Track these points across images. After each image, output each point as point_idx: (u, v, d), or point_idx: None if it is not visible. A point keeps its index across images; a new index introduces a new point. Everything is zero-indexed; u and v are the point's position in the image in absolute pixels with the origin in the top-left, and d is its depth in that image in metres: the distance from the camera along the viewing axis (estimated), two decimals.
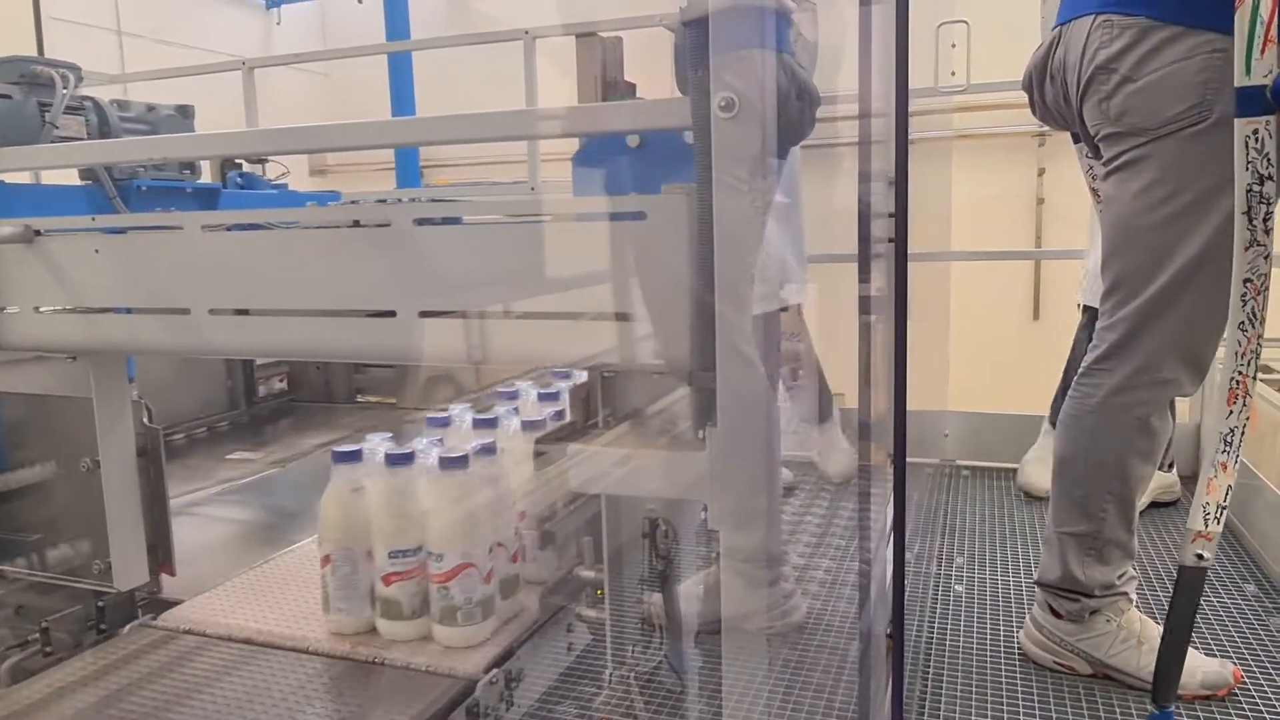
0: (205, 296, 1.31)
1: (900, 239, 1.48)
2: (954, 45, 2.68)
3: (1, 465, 1.68)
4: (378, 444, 1.62)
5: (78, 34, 5.40)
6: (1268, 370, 3.30)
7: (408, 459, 1.55)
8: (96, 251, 1.37)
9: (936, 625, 1.91)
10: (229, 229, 1.28)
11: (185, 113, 1.95)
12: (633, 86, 1.58)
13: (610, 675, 1.23)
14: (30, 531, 1.66)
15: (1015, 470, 2.86)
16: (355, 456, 1.57)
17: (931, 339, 2.76)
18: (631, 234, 1.09)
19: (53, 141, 1.65)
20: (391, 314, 1.21)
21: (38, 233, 1.39)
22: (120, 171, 1.75)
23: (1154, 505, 2.49)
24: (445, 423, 1.79)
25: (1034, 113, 1.75)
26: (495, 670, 1.37)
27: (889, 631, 1.51)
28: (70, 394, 1.46)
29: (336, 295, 1.24)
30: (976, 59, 2.82)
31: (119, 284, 1.36)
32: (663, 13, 3.37)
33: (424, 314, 1.20)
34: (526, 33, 3.08)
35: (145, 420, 1.60)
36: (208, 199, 1.88)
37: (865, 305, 1.29)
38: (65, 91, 1.68)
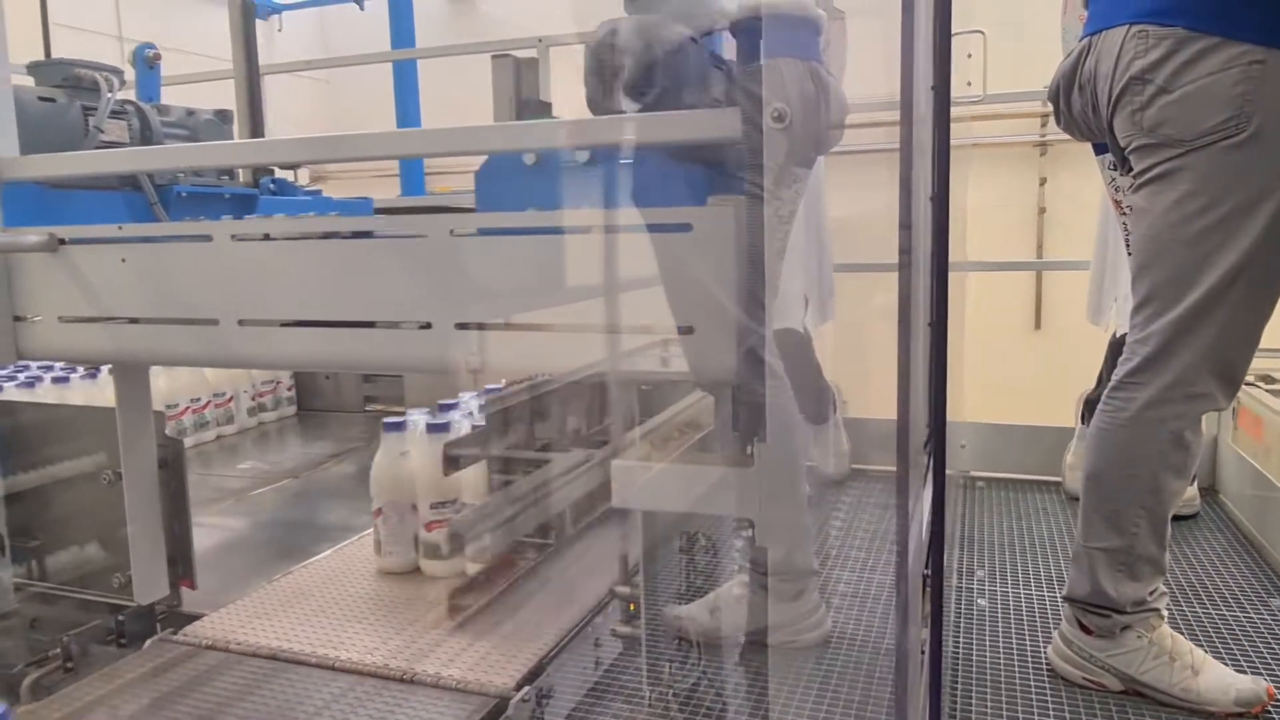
0: (235, 307, 1.29)
1: (940, 250, 1.47)
2: (970, 55, 2.68)
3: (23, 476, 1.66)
4: (418, 416, 1.92)
5: (81, 39, 5.37)
6: (1271, 380, 3.29)
7: (444, 428, 1.83)
8: (123, 261, 1.35)
9: (961, 640, 1.89)
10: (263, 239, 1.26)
11: (224, 118, 1.92)
12: (548, 105, 1.59)
13: (650, 694, 1.21)
14: (50, 543, 1.64)
15: (1030, 482, 2.85)
16: (401, 426, 1.88)
17: (951, 350, 2.74)
18: (677, 246, 1.07)
19: (98, 146, 1.61)
20: (428, 325, 1.19)
21: (63, 241, 1.37)
22: (160, 176, 1.71)
23: (1174, 518, 2.47)
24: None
25: (1058, 123, 1.74)
26: (527, 687, 1.35)
27: (923, 648, 1.49)
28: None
29: (372, 306, 1.22)
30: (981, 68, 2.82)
31: (146, 294, 1.34)
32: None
33: (460, 326, 1.18)
34: (540, 40, 3.07)
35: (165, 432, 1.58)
36: (246, 205, 1.85)
37: (906, 314, 1.27)
38: (110, 95, 1.65)
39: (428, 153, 1.29)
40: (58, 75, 1.66)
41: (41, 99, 1.58)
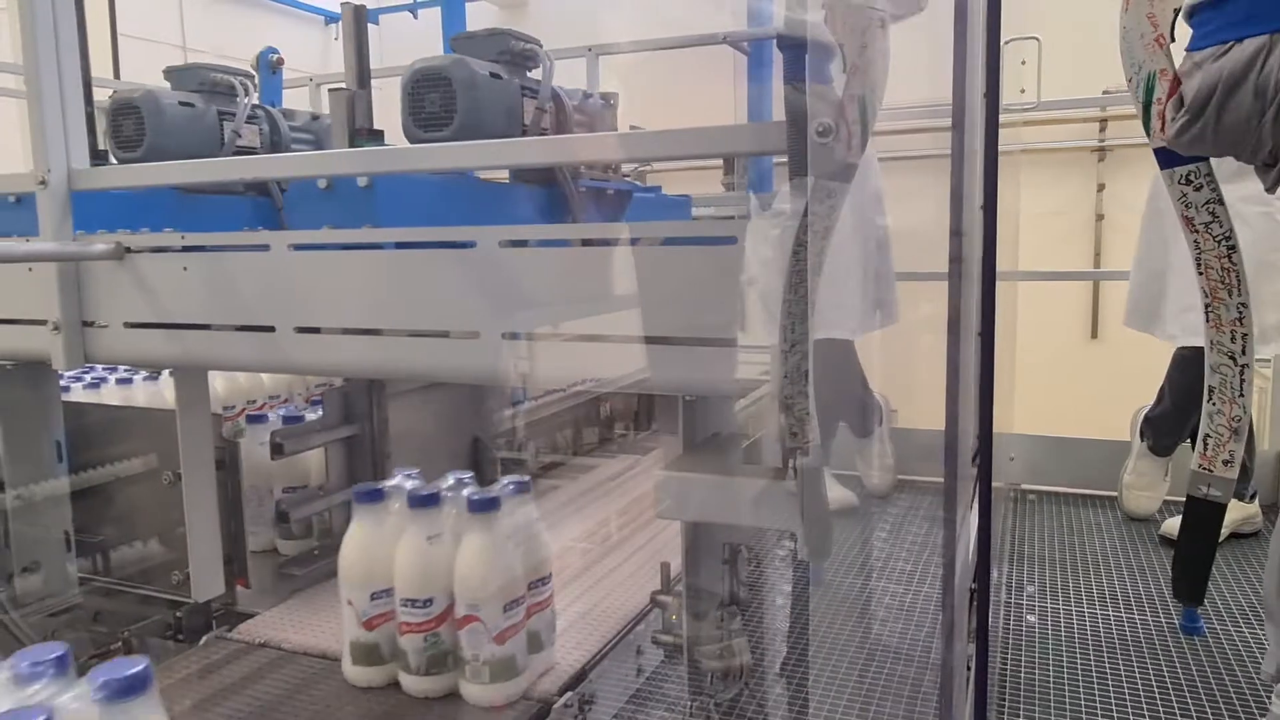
0: (290, 314, 1.32)
1: (989, 258, 1.46)
2: (1024, 62, 2.63)
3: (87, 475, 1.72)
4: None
5: (147, 50, 5.55)
6: None
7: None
8: (185, 269, 1.39)
9: (1009, 657, 1.86)
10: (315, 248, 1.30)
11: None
12: (380, 133, 1.61)
13: (690, 706, 1.21)
14: (113, 539, 1.69)
15: (1083, 496, 2.80)
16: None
17: (1000, 360, 2.70)
18: (722, 258, 1.08)
19: (235, 152, 1.62)
20: (475, 335, 1.21)
21: (129, 250, 1.42)
22: (286, 181, 1.71)
23: (1234, 536, 2.41)
24: None
25: (1183, 132, 1.44)
26: (569, 693, 1.36)
27: (969, 664, 1.48)
28: None
29: (420, 315, 1.25)
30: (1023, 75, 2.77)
31: (206, 301, 1.38)
32: (726, 30, 3.36)
33: (507, 335, 1.20)
34: (589, 50, 3.09)
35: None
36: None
37: (955, 325, 1.26)
38: (248, 100, 1.66)
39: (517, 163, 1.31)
40: (194, 80, 1.66)
41: (181, 104, 1.59)
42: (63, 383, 2.09)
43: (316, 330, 1.31)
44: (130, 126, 1.51)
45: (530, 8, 6.80)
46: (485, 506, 1.35)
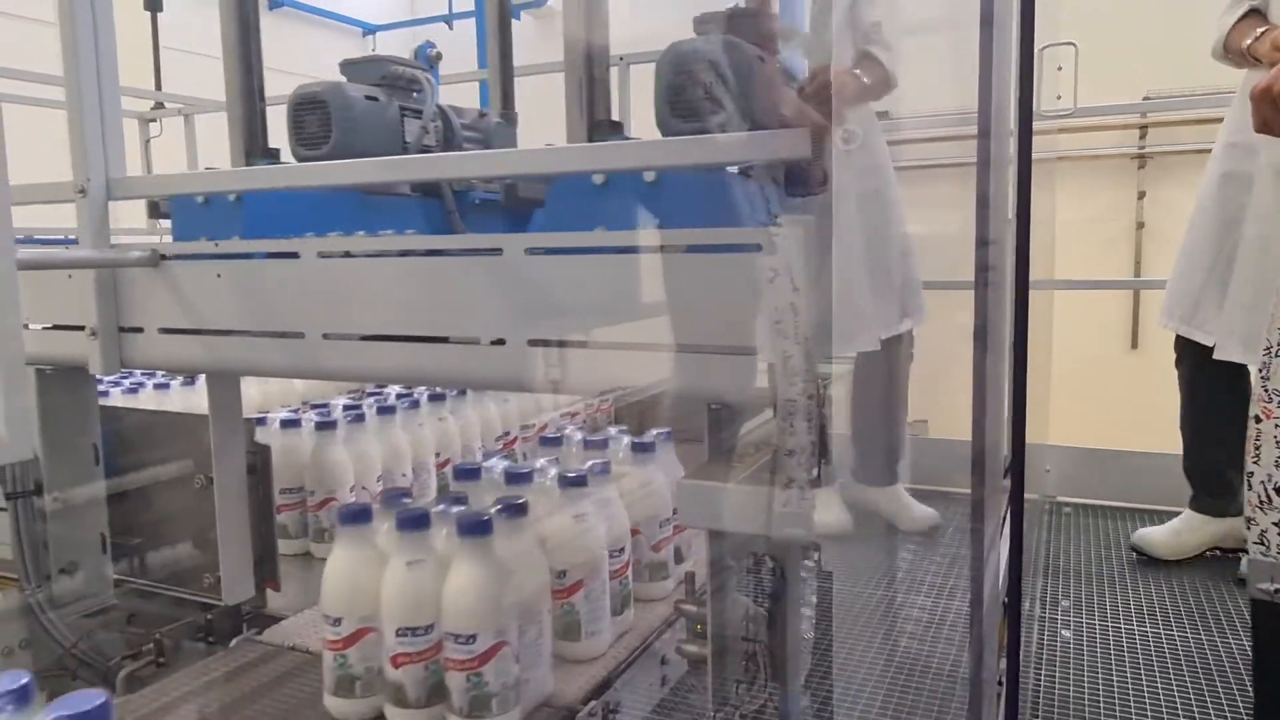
0: (319, 321, 1.34)
1: (1021, 268, 1.44)
2: (1060, 68, 2.60)
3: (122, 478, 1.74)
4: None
5: (189, 62, 5.66)
6: None
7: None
8: (218, 276, 1.41)
9: (1044, 672, 1.83)
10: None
11: (510, 120, 1.85)
12: (276, 151, 1.59)
13: (715, 715, 1.20)
14: (148, 542, 1.72)
15: (1122, 509, 2.74)
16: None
17: (1035, 370, 2.66)
18: (749, 266, 1.07)
19: (420, 150, 1.56)
20: (501, 342, 1.22)
21: (164, 257, 1.45)
22: (458, 183, 1.65)
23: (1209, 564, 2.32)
24: None
25: None
26: (594, 702, 1.35)
27: (1000, 679, 1.45)
28: None
29: (448, 322, 1.26)
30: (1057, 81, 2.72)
31: (238, 307, 1.40)
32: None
33: (533, 343, 1.20)
34: (621, 59, 3.10)
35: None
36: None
37: (982, 335, 1.24)
38: (434, 95, 1.60)
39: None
40: (375, 74, 1.60)
41: (368, 98, 1.53)
42: (100, 387, 2.13)
43: (344, 337, 1.33)
44: (315, 123, 1.45)
45: (559, 19, 6.84)
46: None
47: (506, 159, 1.43)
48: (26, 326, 1.55)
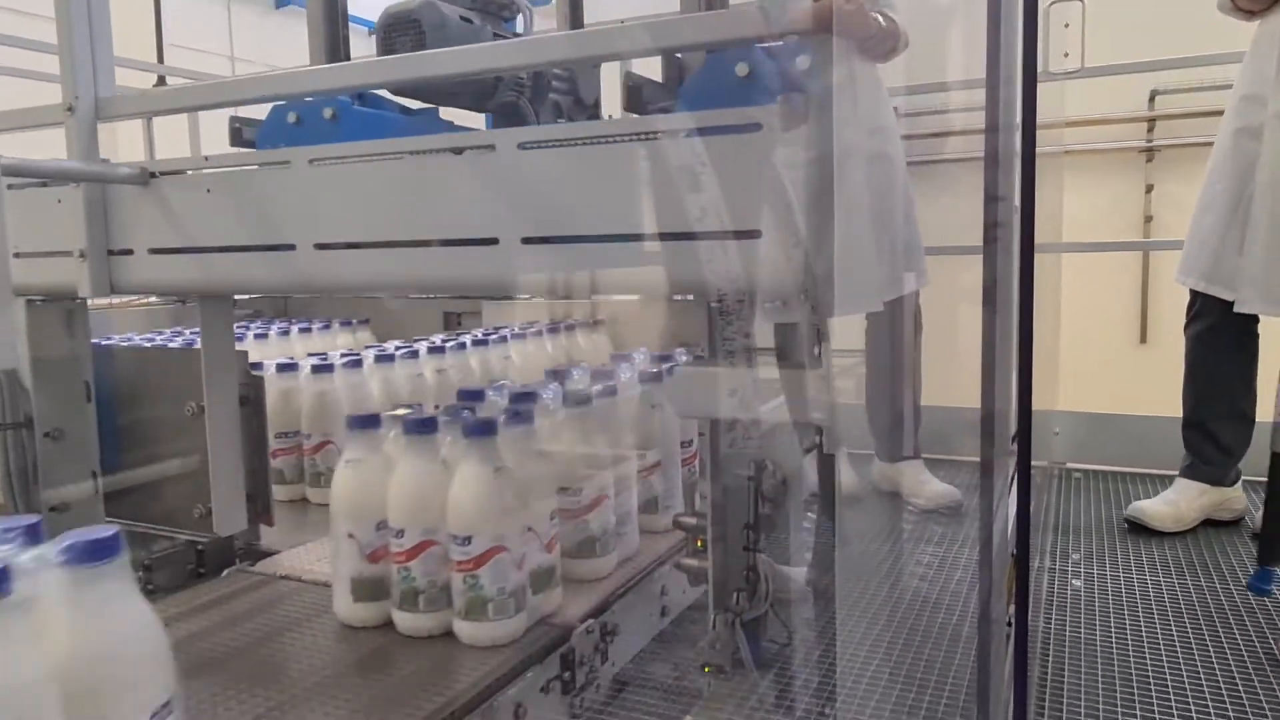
0: (311, 231, 1.31)
1: (1026, 224, 1.38)
2: (1067, 25, 2.57)
3: (114, 414, 1.72)
4: None
5: (195, 59, 5.69)
6: None
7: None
8: (208, 191, 1.39)
9: (1055, 618, 1.79)
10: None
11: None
12: None
13: (714, 619, 1.16)
14: (139, 479, 1.69)
15: (1133, 475, 2.70)
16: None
17: (1043, 333, 2.61)
18: (747, 147, 1.04)
19: (513, 81, 1.50)
20: (494, 241, 1.19)
21: (153, 175, 1.42)
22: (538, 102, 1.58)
23: (1210, 523, 2.27)
24: None
25: None
26: (591, 620, 1.32)
27: (1009, 620, 1.41)
28: None
29: (440, 225, 1.23)
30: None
31: (229, 223, 1.38)
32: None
33: (526, 240, 1.17)
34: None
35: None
36: None
37: (990, 297, 1.20)
38: (529, 20, 1.57)
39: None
40: None
41: (463, 19, 1.47)
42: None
43: (336, 246, 1.30)
44: (408, 43, 1.41)
45: None
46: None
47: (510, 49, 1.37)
48: (17, 255, 1.53)
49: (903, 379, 2.64)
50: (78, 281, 1.48)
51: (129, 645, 0.83)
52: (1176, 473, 2.35)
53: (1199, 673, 1.55)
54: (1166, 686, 1.50)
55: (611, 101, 1.64)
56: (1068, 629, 1.74)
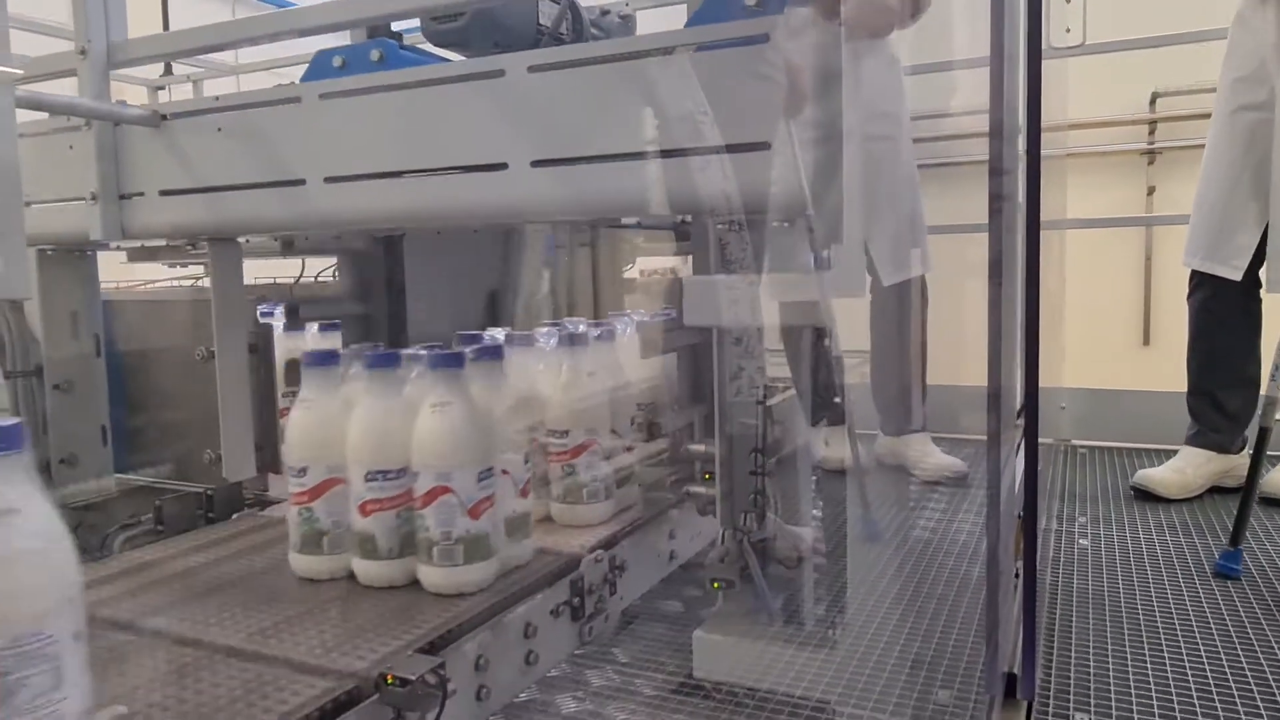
0: (321, 165, 1.32)
1: (1032, 197, 1.38)
2: (1069, 0, 2.59)
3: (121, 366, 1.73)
4: None
5: (200, 58, 5.73)
6: None
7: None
8: (219, 130, 1.40)
9: (1062, 572, 1.78)
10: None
11: (629, 23, 1.83)
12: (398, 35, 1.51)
13: (722, 534, 1.17)
14: (148, 427, 1.70)
15: (1138, 450, 2.69)
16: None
17: (1049, 310, 2.60)
18: (751, 61, 1.06)
19: (553, 40, 1.49)
20: (503, 166, 1.20)
21: (164, 117, 1.44)
22: None
23: (1217, 490, 2.27)
24: None
25: None
26: (600, 550, 1.32)
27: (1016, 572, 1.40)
28: None
29: (450, 153, 1.24)
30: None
31: (240, 161, 1.39)
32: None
33: (536, 164, 1.18)
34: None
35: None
36: None
37: (996, 272, 1.20)
38: None
39: None
40: None
41: None
42: None
43: (346, 179, 1.31)
44: None
45: None
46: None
47: None
48: (28, 204, 1.54)
49: (908, 353, 2.64)
50: (89, 226, 1.49)
51: (27, 540, 0.78)
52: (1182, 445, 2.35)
53: (1207, 619, 1.54)
54: (1175, 632, 1.50)
55: None
56: (1075, 580, 1.74)
